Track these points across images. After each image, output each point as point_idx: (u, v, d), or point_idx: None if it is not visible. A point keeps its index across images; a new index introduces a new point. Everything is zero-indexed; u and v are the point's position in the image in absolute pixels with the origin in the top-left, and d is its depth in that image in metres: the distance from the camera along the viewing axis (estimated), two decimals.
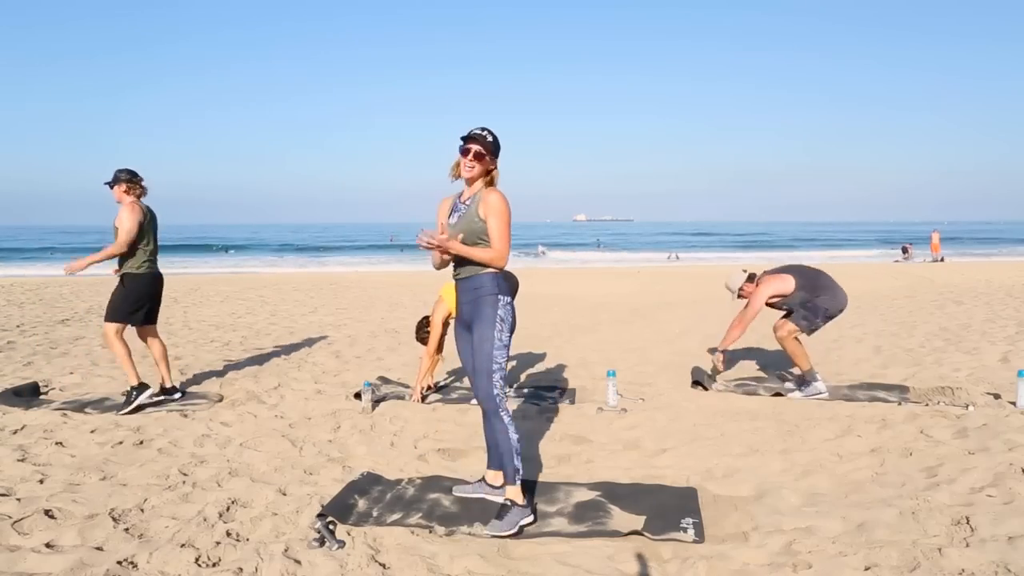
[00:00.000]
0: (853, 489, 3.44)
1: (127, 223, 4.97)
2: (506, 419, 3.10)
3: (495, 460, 3.32)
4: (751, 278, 5.54)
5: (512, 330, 3.13)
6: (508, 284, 3.13)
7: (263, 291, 14.41)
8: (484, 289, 3.07)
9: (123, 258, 5.05)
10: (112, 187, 5.09)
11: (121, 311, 5.06)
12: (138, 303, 5.12)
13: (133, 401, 4.94)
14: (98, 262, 4.99)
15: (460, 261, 3.12)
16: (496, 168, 3.15)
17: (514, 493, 3.09)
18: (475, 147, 3.04)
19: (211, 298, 12.96)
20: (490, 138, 3.08)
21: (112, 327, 5.03)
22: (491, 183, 3.14)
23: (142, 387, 5.02)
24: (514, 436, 3.10)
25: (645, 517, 3.11)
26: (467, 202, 3.12)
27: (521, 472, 3.11)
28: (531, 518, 3.08)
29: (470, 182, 3.13)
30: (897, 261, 28.17)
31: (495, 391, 3.07)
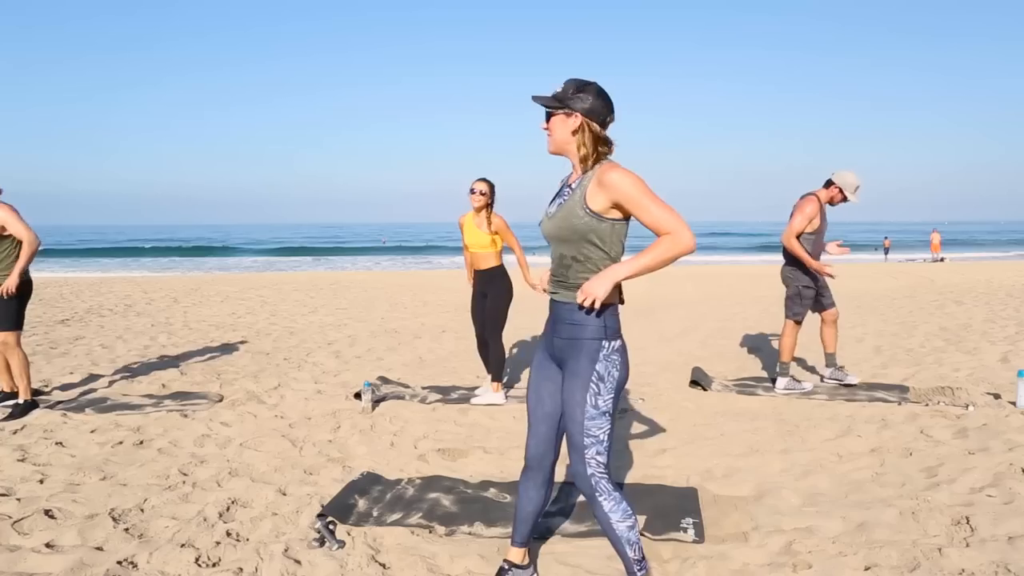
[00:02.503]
0: (853, 489, 3.44)
1: (20, 223, 4.76)
2: (607, 504, 2.22)
3: (520, 533, 2.52)
4: (828, 184, 5.32)
5: (620, 387, 2.21)
6: (616, 321, 2.20)
7: (263, 291, 14.41)
8: (584, 329, 2.17)
9: (6, 262, 4.83)
10: None
11: (20, 317, 4.90)
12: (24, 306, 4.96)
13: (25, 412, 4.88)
14: (25, 268, 4.84)
15: (558, 270, 2.25)
16: (584, 124, 2.15)
17: None
18: (547, 107, 2.21)
19: (211, 298, 12.96)
20: (560, 88, 2.18)
21: (15, 335, 4.87)
22: (598, 153, 2.18)
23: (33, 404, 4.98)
24: (624, 524, 2.22)
25: (645, 517, 3.11)
26: (573, 185, 2.22)
27: (644, 565, 2.27)
28: None
29: (571, 160, 2.25)
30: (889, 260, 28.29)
31: (588, 470, 2.21)
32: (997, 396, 5.03)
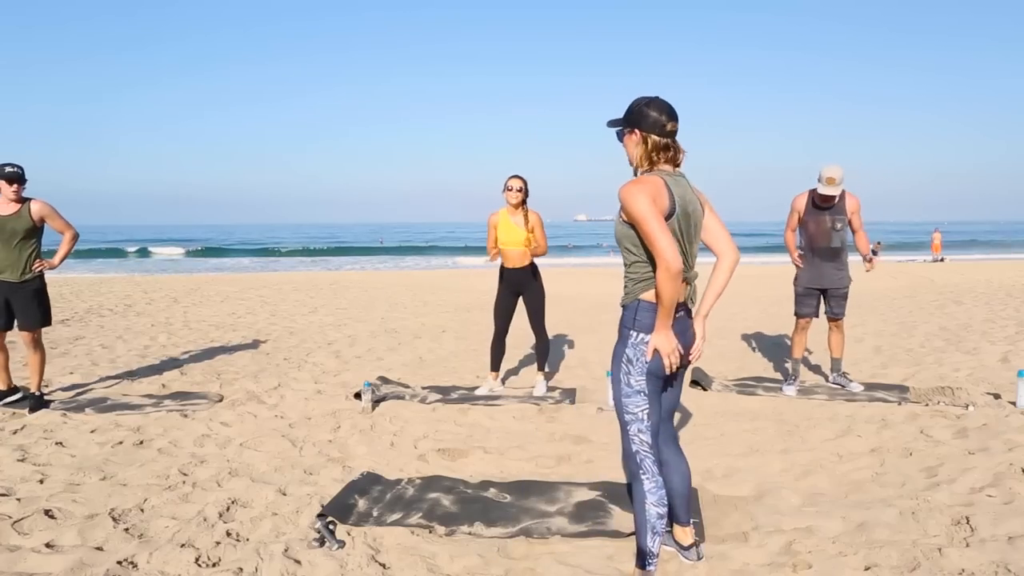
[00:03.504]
0: (853, 489, 3.44)
1: (60, 217, 5.08)
2: (648, 484, 2.40)
3: (684, 514, 2.71)
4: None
5: (656, 372, 2.39)
6: (649, 317, 2.38)
7: (263, 291, 14.41)
8: (624, 319, 2.45)
9: (32, 260, 5.01)
10: (24, 184, 4.90)
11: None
12: None
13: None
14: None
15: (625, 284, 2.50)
16: (649, 145, 2.36)
17: None
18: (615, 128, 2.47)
19: (211, 298, 12.96)
20: (634, 106, 2.39)
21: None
22: (651, 165, 2.40)
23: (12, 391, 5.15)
24: (655, 509, 2.38)
25: None
26: None
27: (655, 558, 2.43)
28: None
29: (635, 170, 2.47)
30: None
31: (632, 447, 2.41)
32: (997, 396, 5.03)
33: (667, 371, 2.38)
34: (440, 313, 10.76)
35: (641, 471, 2.40)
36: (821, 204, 5.15)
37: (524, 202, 5.15)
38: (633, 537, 2.87)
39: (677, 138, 2.40)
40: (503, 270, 5.31)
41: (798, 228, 5.33)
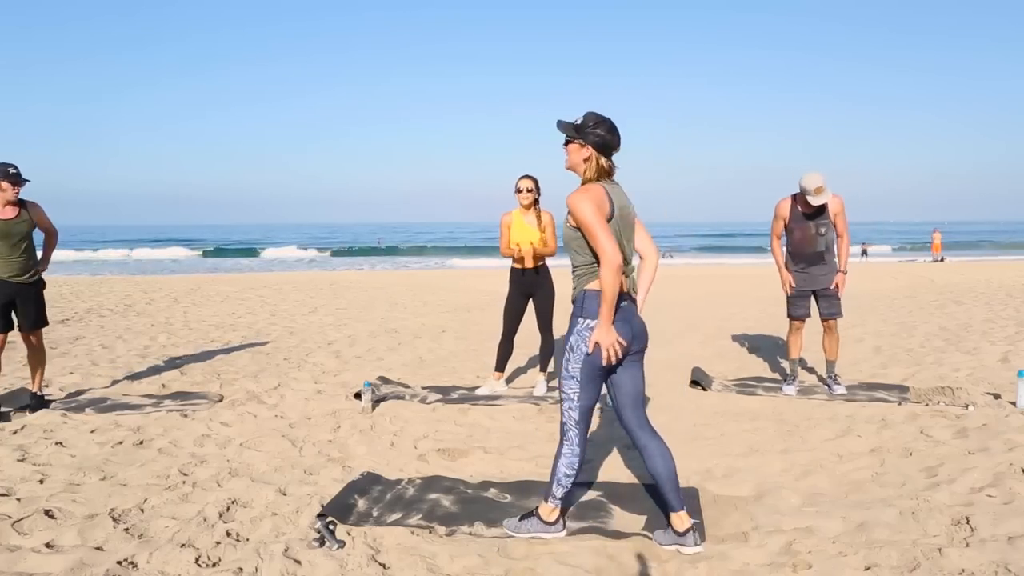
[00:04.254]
0: (853, 489, 3.44)
1: (47, 218, 5.11)
2: (565, 448, 2.84)
3: (675, 499, 2.84)
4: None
5: (595, 362, 2.66)
6: (594, 305, 2.65)
7: (263, 291, 14.41)
8: (573, 310, 2.76)
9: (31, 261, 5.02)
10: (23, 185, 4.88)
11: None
12: None
13: None
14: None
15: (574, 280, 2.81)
16: (595, 157, 2.66)
17: (542, 508, 2.95)
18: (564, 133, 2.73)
19: (211, 298, 12.96)
20: (579, 120, 2.66)
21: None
22: (593, 175, 2.68)
23: None
24: (564, 469, 2.85)
25: (646, 517, 3.11)
26: None
27: (558, 500, 2.91)
28: (554, 535, 2.93)
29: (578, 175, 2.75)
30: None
31: (563, 419, 2.83)
32: (997, 396, 5.03)
33: (604, 362, 2.64)
34: (440, 313, 10.76)
35: (565, 439, 2.84)
36: (808, 212, 5.13)
37: (536, 202, 5.14)
38: (634, 537, 2.93)
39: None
40: (514, 271, 5.31)
41: (783, 234, 5.32)
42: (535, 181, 5.10)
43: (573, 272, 2.74)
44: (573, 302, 2.75)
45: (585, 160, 2.68)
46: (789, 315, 5.39)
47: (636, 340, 2.76)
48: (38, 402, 5.04)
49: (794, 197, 5.18)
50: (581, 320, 2.68)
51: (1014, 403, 4.78)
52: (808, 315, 5.35)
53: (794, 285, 5.28)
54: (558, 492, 2.90)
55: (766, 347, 7.40)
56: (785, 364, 6.43)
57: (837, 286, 5.21)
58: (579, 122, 2.66)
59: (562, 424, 2.85)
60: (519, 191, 5.07)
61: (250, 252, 46.25)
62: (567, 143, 2.71)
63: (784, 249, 5.36)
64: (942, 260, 27.24)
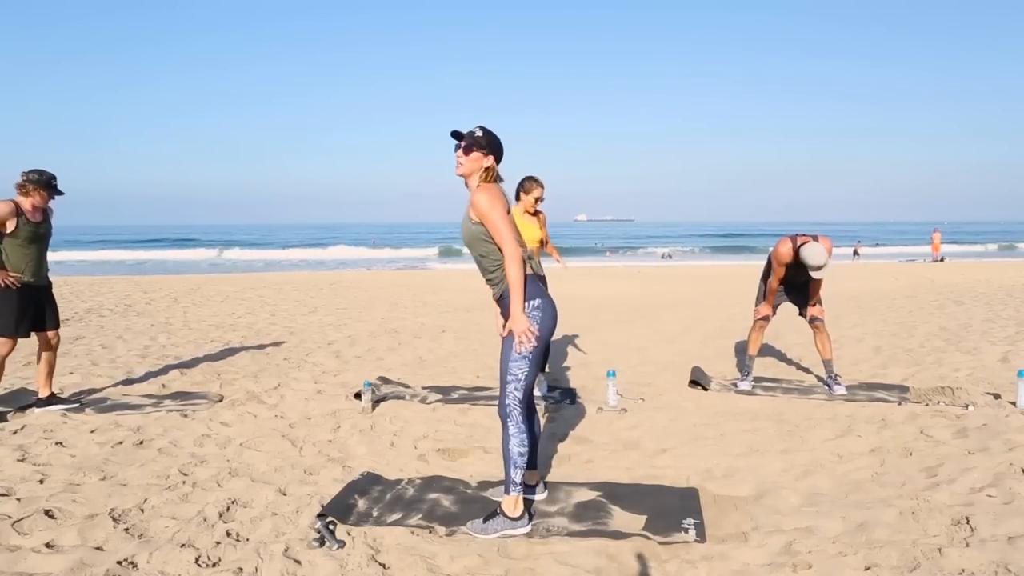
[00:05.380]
0: (853, 489, 3.44)
1: None
2: (512, 430, 3.01)
3: (534, 456, 3.37)
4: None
5: (546, 339, 3.01)
6: (534, 288, 3.00)
7: (263, 291, 14.41)
8: (502, 303, 3.06)
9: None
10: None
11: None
12: None
13: None
14: None
15: (489, 283, 3.10)
16: (494, 166, 3.02)
17: (506, 503, 3.02)
18: (464, 142, 3.00)
19: (211, 298, 12.96)
20: (479, 133, 3.00)
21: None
22: (487, 179, 3.02)
23: None
24: (516, 449, 3.01)
25: (646, 517, 3.11)
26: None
27: (518, 487, 3.02)
28: (521, 530, 3.00)
29: (466, 182, 3.05)
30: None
31: (506, 401, 3.01)
32: (997, 396, 5.03)
33: (523, 350, 2.92)
34: (440, 313, 10.76)
35: (510, 420, 3.01)
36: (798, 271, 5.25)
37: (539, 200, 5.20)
38: (633, 537, 2.93)
39: None
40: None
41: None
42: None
43: (490, 273, 3.03)
44: (500, 300, 3.04)
45: (486, 168, 3.01)
46: (756, 307, 5.59)
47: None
48: (49, 401, 5.04)
49: (792, 245, 5.18)
50: (529, 306, 2.96)
51: (1014, 403, 4.78)
52: (773, 315, 5.53)
53: (772, 316, 5.58)
54: (516, 476, 3.02)
55: (766, 347, 7.40)
56: (784, 365, 6.43)
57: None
58: (480, 134, 2.99)
59: (505, 407, 3.01)
60: (527, 192, 5.08)
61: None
62: (467, 150, 2.97)
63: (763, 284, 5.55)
64: (942, 260, 27.23)
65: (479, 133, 3.00)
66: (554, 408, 5.02)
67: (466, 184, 3.05)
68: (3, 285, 4.73)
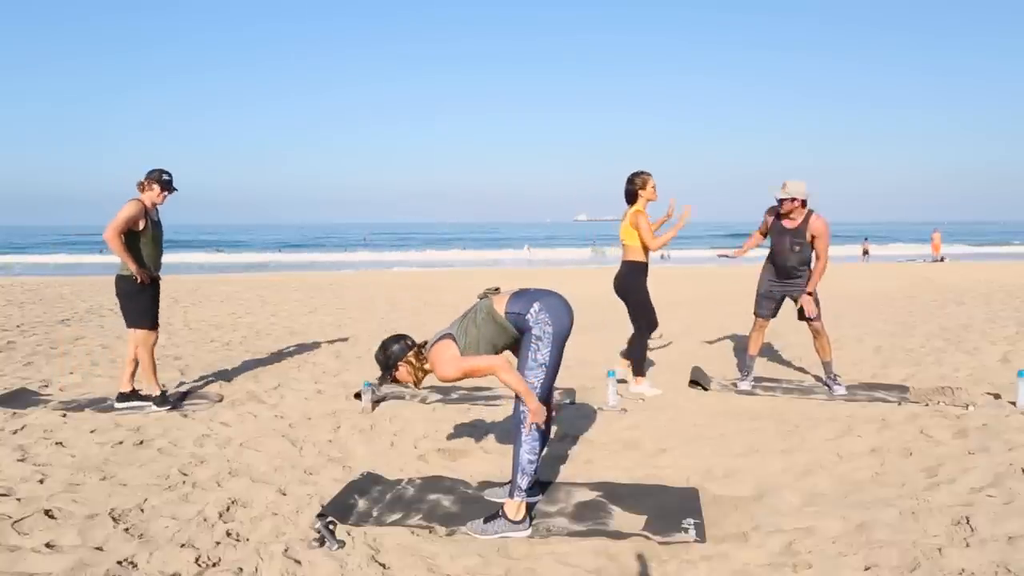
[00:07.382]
0: (853, 489, 3.44)
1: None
2: (524, 436, 3.04)
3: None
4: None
5: (557, 338, 3.07)
6: (528, 294, 3.15)
7: (263, 291, 14.41)
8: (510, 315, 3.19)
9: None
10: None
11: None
12: None
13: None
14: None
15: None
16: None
17: (508, 507, 3.02)
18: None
19: (211, 298, 12.97)
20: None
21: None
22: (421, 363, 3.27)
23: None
24: (527, 456, 3.03)
25: (646, 517, 3.11)
26: None
27: (523, 492, 3.02)
28: (521, 534, 2.97)
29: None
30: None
31: (522, 407, 3.05)
32: (997, 396, 5.04)
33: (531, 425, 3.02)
34: (440, 313, 10.75)
35: (523, 427, 3.03)
36: (780, 213, 5.19)
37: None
38: (633, 537, 2.93)
39: None
40: (646, 266, 5.53)
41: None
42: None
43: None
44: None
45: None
46: (755, 312, 5.51)
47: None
48: (140, 399, 5.11)
49: (778, 205, 5.19)
50: (532, 312, 3.04)
51: (1014, 403, 4.78)
52: (771, 315, 5.46)
53: (730, 256, 5.75)
54: (523, 483, 3.02)
55: (766, 347, 7.40)
56: (784, 365, 6.43)
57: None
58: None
59: (520, 413, 3.04)
60: (653, 187, 5.26)
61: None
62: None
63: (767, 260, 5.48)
64: (942, 260, 27.23)
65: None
66: (554, 408, 5.02)
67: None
68: (142, 281, 4.94)
